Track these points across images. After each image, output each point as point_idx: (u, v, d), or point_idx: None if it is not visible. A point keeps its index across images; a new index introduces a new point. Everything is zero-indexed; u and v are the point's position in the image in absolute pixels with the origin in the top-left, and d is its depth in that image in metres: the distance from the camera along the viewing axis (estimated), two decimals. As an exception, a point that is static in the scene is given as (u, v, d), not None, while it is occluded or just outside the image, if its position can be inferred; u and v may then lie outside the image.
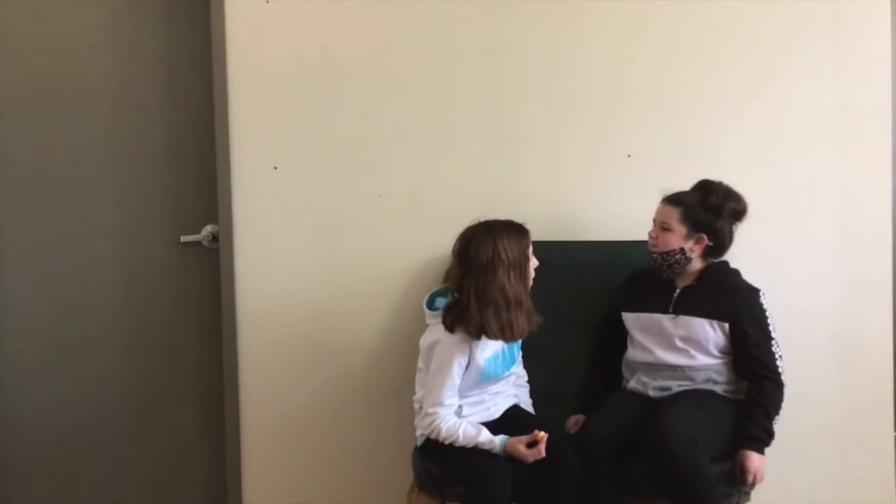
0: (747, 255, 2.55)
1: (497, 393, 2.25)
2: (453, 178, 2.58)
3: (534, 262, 2.16)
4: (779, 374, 2.19)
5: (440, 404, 2.10)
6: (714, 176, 2.50)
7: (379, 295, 2.58)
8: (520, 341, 2.27)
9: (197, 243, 2.66)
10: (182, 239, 2.65)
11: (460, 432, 2.07)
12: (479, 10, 2.57)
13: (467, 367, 2.13)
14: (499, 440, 2.06)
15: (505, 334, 2.06)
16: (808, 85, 2.60)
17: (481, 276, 2.03)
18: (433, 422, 2.10)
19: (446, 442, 2.09)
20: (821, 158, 2.61)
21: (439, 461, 2.14)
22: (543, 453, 2.00)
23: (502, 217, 2.16)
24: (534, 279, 2.18)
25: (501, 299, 2.03)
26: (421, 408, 2.19)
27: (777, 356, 2.20)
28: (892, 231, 2.64)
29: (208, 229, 2.65)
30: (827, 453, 2.64)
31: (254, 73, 2.57)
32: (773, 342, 2.22)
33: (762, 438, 2.12)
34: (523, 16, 2.58)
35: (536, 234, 2.48)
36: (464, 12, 2.58)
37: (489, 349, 2.16)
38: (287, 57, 2.58)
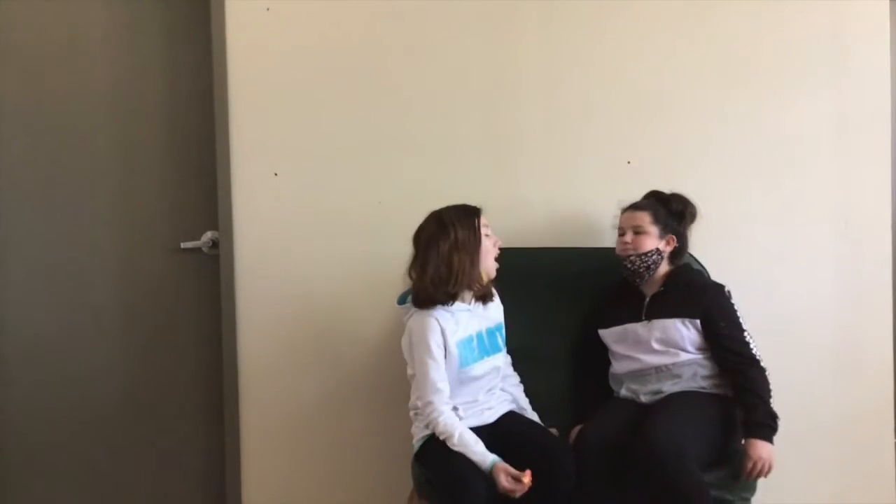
0: (747, 260, 2.57)
1: (490, 391, 2.25)
2: (453, 184, 2.56)
3: (493, 240, 2.21)
4: (758, 360, 2.21)
5: (435, 390, 2.11)
6: (714, 183, 2.53)
7: (379, 301, 2.58)
8: (503, 335, 2.29)
9: (197, 249, 2.66)
10: (182, 245, 2.66)
11: (457, 434, 2.06)
12: (479, 18, 2.58)
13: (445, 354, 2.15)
14: (490, 461, 2.02)
15: (439, 296, 2.14)
16: (808, 91, 2.61)
17: (426, 251, 2.15)
18: (430, 413, 2.10)
19: (441, 437, 2.08)
20: (820, 165, 2.62)
21: (430, 466, 2.15)
22: (517, 493, 1.98)
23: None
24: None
25: (444, 270, 2.13)
26: (416, 414, 2.20)
27: (752, 346, 2.23)
28: (891, 237, 2.64)
29: (208, 235, 2.66)
30: (827, 460, 2.64)
31: (254, 80, 2.58)
32: (746, 333, 2.25)
33: (769, 424, 2.12)
34: (523, 24, 2.59)
35: (536, 241, 2.52)
36: (464, 21, 2.58)
37: (459, 333, 2.17)
38: (287, 64, 2.59)
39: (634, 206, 2.36)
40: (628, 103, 2.60)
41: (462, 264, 2.14)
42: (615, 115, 2.60)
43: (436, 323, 2.14)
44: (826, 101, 2.62)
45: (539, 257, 2.48)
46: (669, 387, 2.23)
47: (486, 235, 2.19)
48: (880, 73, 2.62)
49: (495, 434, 2.17)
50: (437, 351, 2.13)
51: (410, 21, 2.59)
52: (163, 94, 2.67)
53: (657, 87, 2.59)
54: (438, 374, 2.12)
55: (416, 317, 2.18)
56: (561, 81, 2.60)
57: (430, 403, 2.11)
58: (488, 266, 2.21)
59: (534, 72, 2.60)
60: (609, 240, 2.51)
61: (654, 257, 2.30)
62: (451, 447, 2.06)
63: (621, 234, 2.35)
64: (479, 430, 2.14)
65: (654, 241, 2.30)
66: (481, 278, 2.21)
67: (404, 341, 2.21)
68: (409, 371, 2.22)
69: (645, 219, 2.31)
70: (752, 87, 2.60)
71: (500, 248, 2.25)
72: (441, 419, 2.08)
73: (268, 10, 2.57)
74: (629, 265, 2.31)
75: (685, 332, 2.25)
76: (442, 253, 2.14)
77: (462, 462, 2.03)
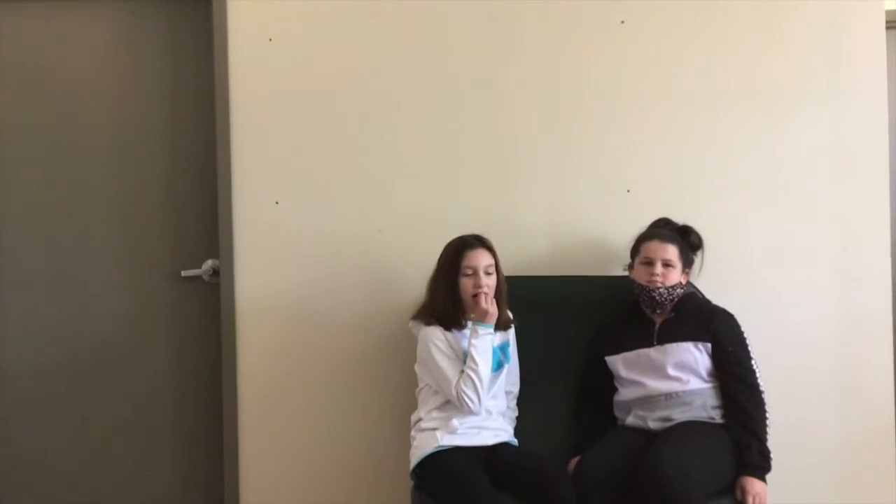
0: (747, 287, 2.56)
1: (488, 412, 2.24)
2: (453, 213, 2.58)
3: (475, 282, 2.24)
4: (759, 391, 2.24)
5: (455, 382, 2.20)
6: (714, 211, 2.53)
7: (380, 329, 2.58)
8: (507, 353, 2.31)
9: (198, 278, 2.67)
10: (183, 273, 2.66)
11: (477, 381, 2.15)
12: (479, 45, 2.60)
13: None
14: (481, 328, 2.20)
15: (422, 316, 2.31)
16: (807, 118, 2.61)
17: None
18: (465, 401, 2.16)
19: (479, 397, 2.16)
20: (819, 191, 2.62)
21: (435, 491, 2.14)
22: (484, 289, 2.22)
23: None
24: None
25: (429, 294, 2.32)
26: (419, 430, 2.23)
27: (757, 374, 2.26)
28: (891, 264, 2.64)
29: (209, 264, 2.66)
30: (828, 486, 2.61)
31: (255, 108, 2.60)
32: (753, 361, 2.28)
33: (763, 465, 2.14)
34: (522, 51, 2.61)
35: (535, 269, 2.53)
36: (464, 47, 2.61)
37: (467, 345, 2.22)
38: (288, 92, 2.61)
39: (664, 238, 2.35)
40: (628, 132, 2.60)
41: (436, 291, 2.27)
42: (615, 143, 2.60)
43: (437, 329, 2.24)
44: (824, 127, 2.62)
45: (537, 285, 2.48)
46: (679, 414, 2.23)
47: (467, 275, 2.23)
48: (878, 98, 2.61)
49: (493, 461, 2.17)
50: (446, 347, 2.22)
51: (411, 50, 2.61)
52: (164, 121, 2.69)
53: (657, 116, 2.60)
54: (454, 367, 2.20)
55: (423, 328, 2.27)
56: (561, 110, 2.61)
57: (457, 393, 2.17)
58: (468, 302, 2.25)
59: (534, 100, 2.61)
60: (609, 268, 2.51)
61: (678, 290, 2.33)
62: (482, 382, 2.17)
63: (649, 263, 2.32)
64: (475, 452, 2.16)
65: (678, 274, 2.33)
66: (464, 311, 2.26)
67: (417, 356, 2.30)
68: (420, 385, 2.26)
69: (675, 253, 2.33)
70: (752, 115, 2.60)
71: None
72: (466, 396, 2.16)
73: (270, 40, 2.59)
74: (657, 297, 2.30)
75: (698, 356, 2.26)
76: (430, 280, 2.31)
77: (473, 488, 2.04)
